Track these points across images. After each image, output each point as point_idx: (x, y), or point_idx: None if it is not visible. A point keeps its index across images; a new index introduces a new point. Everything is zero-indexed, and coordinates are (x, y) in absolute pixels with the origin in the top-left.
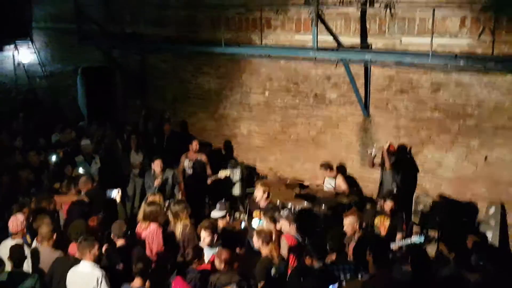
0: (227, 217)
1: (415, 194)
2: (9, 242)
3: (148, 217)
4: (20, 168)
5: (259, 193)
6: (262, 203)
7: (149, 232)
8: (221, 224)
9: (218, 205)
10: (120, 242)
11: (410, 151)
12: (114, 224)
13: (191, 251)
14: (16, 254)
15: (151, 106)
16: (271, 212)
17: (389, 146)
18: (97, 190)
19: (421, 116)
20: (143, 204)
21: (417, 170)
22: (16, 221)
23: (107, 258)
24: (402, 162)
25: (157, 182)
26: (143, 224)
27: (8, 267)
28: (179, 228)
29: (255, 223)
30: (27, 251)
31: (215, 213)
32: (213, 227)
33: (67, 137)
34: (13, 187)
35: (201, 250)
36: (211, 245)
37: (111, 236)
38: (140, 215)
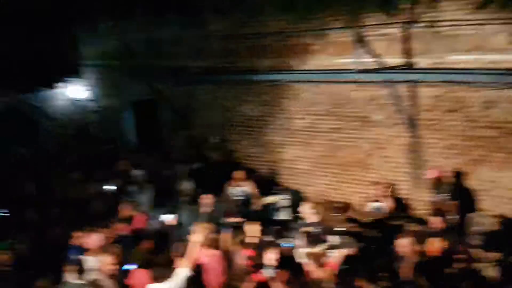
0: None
1: (470, 214)
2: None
3: (210, 244)
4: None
5: (305, 209)
6: (311, 218)
7: (210, 258)
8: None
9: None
10: (179, 263)
11: (463, 171)
12: (176, 245)
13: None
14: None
15: (197, 135)
16: (316, 235)
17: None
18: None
19: (473, 135)
20: (200, 230)
21: (472, 190)
22: (96, 238)
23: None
24: (455, 183)
25: (207, 210)
26: (204, 251)
27: None
28: (237, 254)
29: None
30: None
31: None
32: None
33: (120, 168)
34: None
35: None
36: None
37: (170, 256)
38: (201, 241)
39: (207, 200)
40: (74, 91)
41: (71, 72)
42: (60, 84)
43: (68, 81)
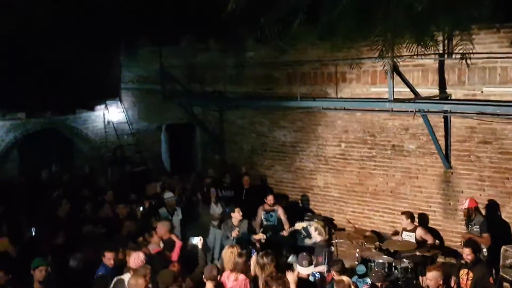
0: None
1: (503, 247)
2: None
3: (237, 268)
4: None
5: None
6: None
7: (237, 283)
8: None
9: (303, 260)
10: (210, 286)
11: (496, 203)
12: (206, 267)
13: None
14: None
15: (229, 159)
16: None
17: (466, 202)
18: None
19: (507, 166)
20: (227, 254)
21: (505, 223)
22: (138, 258)
23: None
24: (487, 216)
25: (234, 234)
26: (231, 275)
27: None
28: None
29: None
30: None
31: (305, 270)
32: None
33: (152, 190)
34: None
35: None
36: None
37: (203, 277)
38: (228, 265)
39: (237, 216)
40: (112, 114)
41: (111, 95)
42: (100, 107)
43: (108, 103)
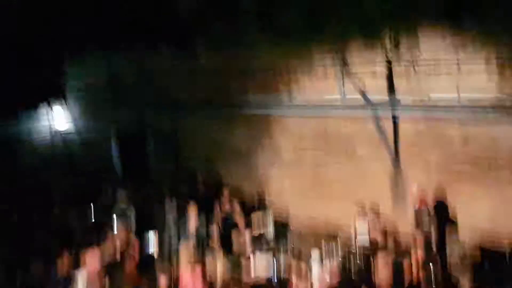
0: None
1: (448, 245)
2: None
3: (192, 262)
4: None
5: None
6: None
7: (193, 275)
8: None
9: None
10: (163, 281)
11: (444, 204)
12: (159, 262)
13: None
14: None
15: (185, 167)
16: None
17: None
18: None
19: (453, 169)
20: (184, 250)
21: (452, 222)
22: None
23: None
24: (437, 216)
25: (191, 229)
26: (187, 268)
27: None
28: (219, 272)
29: None
30: None
31: None
32: None
33: (104, 199)
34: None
35: None
36: None
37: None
38: (184, 259)
39: (193, 213)
40: (59, 122)
41: (57, 102)
42: (45, 115)
43: (54, 111)
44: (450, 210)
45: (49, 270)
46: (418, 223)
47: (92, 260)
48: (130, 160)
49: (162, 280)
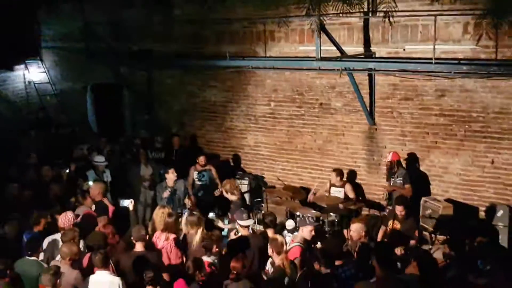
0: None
1: (422, 199)
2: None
3: (167, 228)
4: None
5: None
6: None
7: (167, 243)
8: (244, 232)
9: (242, 214)
10: (139, 246)
11: (416, 157)
12: (134, 228)
13: (191, 264)
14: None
15: (159, 120)
16: (269, 217)
17: (392, 155)
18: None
19: (427, 122)
20: (159, 215)
21: (424, 176)
22: (66, 217)
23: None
24: (409, 168)
25: (166, 194)
26: (162, 235)
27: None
28: (196, 238)
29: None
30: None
31: (245, 222)
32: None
33: (78, 153)
34: (35, 201)
35: (201, 262)
36: None
37: (131, 239)
38: (159, 225)
39: (171, 176)
40: (33, 73)
41: (30, 53)
42: (19, 67)
43: (28, 63)
44: (422, 164)
45: (22, 229)
46: (390, 177)
47: (65, 218)
48: (105, 113)
49: (138, 245)
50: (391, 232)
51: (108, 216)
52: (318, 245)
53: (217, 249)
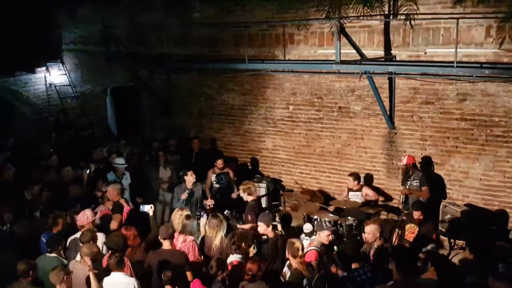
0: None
1: (442, 203)
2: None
3: (185, 230)
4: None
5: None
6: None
7: (185, 244)
8: (271, 234)
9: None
10: (166, 244)
11: (432, 160)
12: (162, 227)
13: (214, 263)
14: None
15: (178, 123)
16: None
17: (407, 159)
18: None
19: (447, 126)
20: (177, 216)
21: (444, 180)
22: (84, 215)
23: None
24: (428, 173)
25: (184, 196)
26: (180, 236)
27: None
28: (217, 240)
29: None
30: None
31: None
32: None
33: (98, 155)
34: (55, 202)
35: (224, 262)
36: None
37: (159, 237)
38: (177, 227)
39: (190, 178)
40: (54, 76)
41: (51, 56)
42: (40, 69)
43: (49, 66)
44: (442, 168)
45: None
46: (406, 180)
47: (84, 216)
48: (124, 115)
49: (165, 243)
50: (409, 236)
51: (122, 215)
52: (335, 248)
53: (245, 246)
